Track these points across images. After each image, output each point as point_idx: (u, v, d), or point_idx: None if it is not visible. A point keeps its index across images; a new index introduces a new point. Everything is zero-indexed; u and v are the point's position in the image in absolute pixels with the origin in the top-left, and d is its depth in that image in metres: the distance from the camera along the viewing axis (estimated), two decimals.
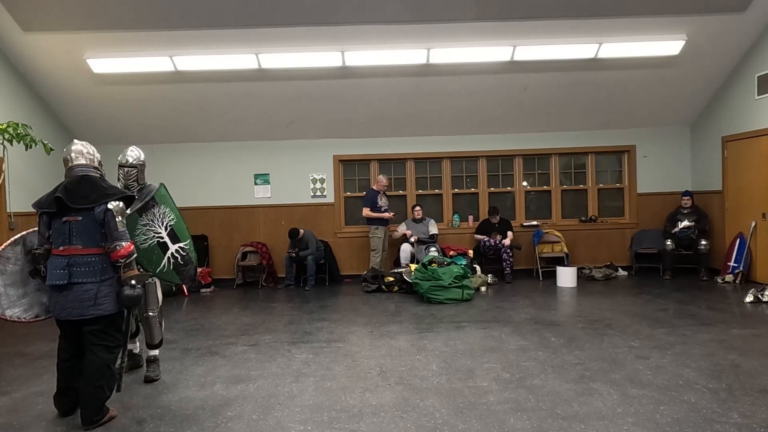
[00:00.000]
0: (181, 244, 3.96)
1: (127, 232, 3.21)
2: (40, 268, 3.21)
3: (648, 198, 8.49)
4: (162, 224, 3.90)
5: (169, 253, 3.89)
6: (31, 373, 4.17)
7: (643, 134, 8.47)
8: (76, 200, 3.12)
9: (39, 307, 3.37)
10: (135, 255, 3.25)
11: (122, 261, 3.14)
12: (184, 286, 7.09)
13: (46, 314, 3.37)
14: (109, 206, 3.14)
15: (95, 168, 3.31)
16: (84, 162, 3.26)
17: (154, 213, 3.86)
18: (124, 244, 3.14)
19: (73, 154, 3.26)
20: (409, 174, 8.68)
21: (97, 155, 3.37)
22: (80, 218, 3.13)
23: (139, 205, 3.79)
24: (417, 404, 3.35)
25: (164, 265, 3.85)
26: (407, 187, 8.69)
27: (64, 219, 3.14)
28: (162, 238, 3.86)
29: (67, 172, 3.27)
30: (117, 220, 3.14)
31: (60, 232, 3.14)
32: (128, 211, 3.43)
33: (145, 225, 3.79)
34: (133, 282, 3.17)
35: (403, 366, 4.09)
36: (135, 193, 3.82)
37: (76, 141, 3.36)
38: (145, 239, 3.74)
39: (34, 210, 3.28)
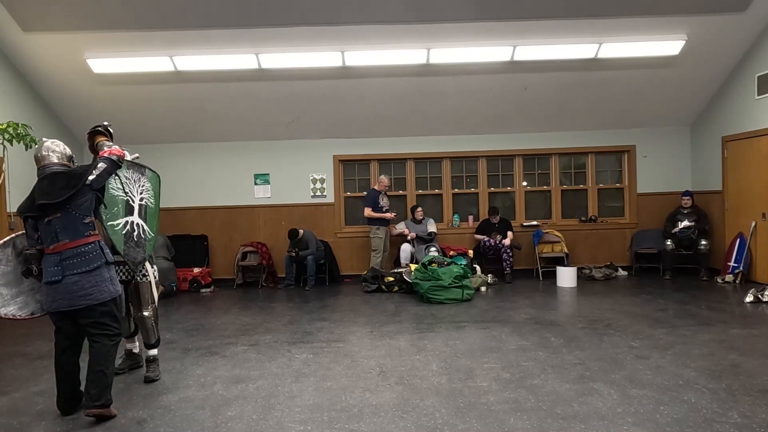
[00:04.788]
0: (146, 227, 3.95)
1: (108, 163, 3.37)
2: (32, 268, 3.28)
3: (648, 198, 8.49)
4: (138, 192, 3.92)
5: (129, 219, 3.83)
6: (31, 373, 4.18)
7: (643, 134, 8.47)
8: (55, 195, 3.19)
9: (35, 305, 3.46)
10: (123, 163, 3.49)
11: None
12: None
13: (41, 312, 3.44)
14: (89, 180, 3.23)
15: (65, 165, 3.40)
16: (56, 160, 3.37)
17: (139, 177, 3.96)
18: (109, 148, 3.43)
19: (44, 152, 3.36)
20: (409, 174, 8.68)
21: (68, 151, 3.46)
22: (59, 214, 3.22)
23: (137, 160, 3.92)
24: (417, 404, 3.35)
25: (119, 224, 3.74)
26: (407, 187, 8.69)
27: (47, 219, 3.24)
28: (132, 201, 3.86)
29: (38, 171, 3.36)
30: (98, 172, 3.28)
31: (47, 232, 3.25)
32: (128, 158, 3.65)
33: (126, 178, 3.84)
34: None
35: (403, 366, 4.09)
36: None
37: (45, 139, 3.47)
38: (116, 187, 3.75)
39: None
